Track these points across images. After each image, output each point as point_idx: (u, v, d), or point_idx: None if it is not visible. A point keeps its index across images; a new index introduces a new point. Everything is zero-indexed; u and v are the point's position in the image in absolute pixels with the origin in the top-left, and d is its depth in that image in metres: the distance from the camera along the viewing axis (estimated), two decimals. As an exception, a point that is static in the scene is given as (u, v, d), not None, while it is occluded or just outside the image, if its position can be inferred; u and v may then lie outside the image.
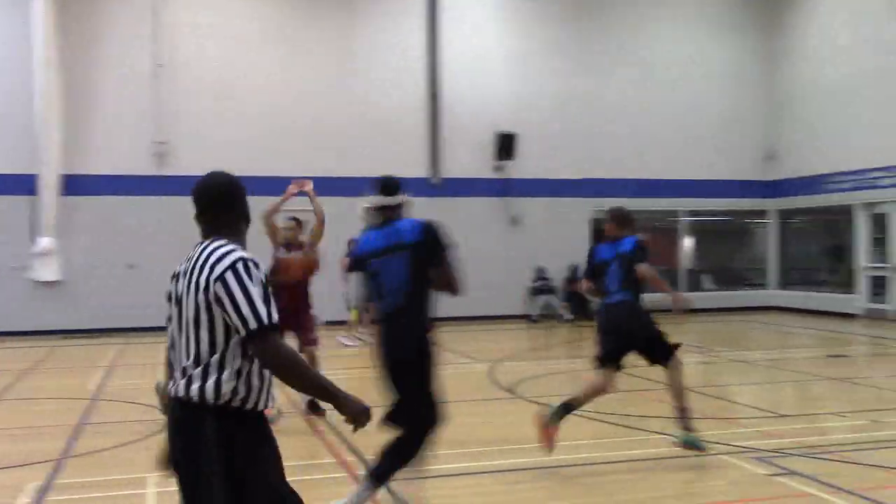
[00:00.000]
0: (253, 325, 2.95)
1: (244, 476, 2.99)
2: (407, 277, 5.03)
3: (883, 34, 19.17)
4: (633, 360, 6.93)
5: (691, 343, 7.33)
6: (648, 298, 6.94)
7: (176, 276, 3.22)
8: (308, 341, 8.72)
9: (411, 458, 5.02)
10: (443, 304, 5.21)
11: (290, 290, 8.51)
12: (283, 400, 8.52)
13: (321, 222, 8.73)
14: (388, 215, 5.20)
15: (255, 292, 2.99)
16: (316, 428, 8.13)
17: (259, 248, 4.28)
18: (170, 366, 3.21)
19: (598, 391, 6.84)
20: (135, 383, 10.94)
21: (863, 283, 19.88)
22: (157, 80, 17.86)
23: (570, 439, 7.05)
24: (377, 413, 3.25)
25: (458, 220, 14.33)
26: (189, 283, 3.09)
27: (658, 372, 7.08)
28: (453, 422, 5.57)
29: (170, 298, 3.21)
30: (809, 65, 21.38)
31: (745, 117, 22.32)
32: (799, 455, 6.96)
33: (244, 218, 3.31)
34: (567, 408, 6.77)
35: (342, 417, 3.06)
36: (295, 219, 9.07)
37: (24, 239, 17.02)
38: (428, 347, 5.05)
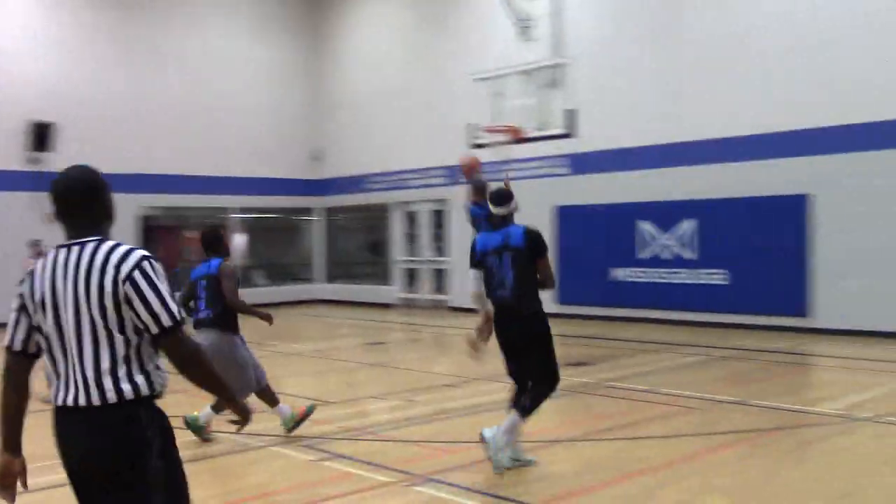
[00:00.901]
0: (167, 322, 2.95)
1: (174, 458, 3.06)
2: (514, 273, 6.15)
3: (413, 47, 21.13)
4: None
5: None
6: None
7: (34, 283, 3.00)
8: None
9: (541, 404, 6.26)
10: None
11: None
12: None
13: None
14: (501, 221, 6.32)
15: (164, 289, 2.98)
16: None
17: None
18: (55, 377, 2.99)
19: None
20: None
21: (398, 276, 21.77)
22: None
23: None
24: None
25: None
26: (86, 286, 2.93)
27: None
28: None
29: (41, 307, 2.97)
30: (351, 71, 22.81)
31: (293, 117, 23.13)
32: (343, 439, 7.43)
33: (112, 215, 3.15)
34: None
35: (230, 416, 3.16)
36: None
37: None
38: (540, 326, 6.25)
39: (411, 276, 21.57)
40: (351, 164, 22.61)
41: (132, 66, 20.21)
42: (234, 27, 22.14)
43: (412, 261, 21.42)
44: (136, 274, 2.94)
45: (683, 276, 15.77)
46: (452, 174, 19.90)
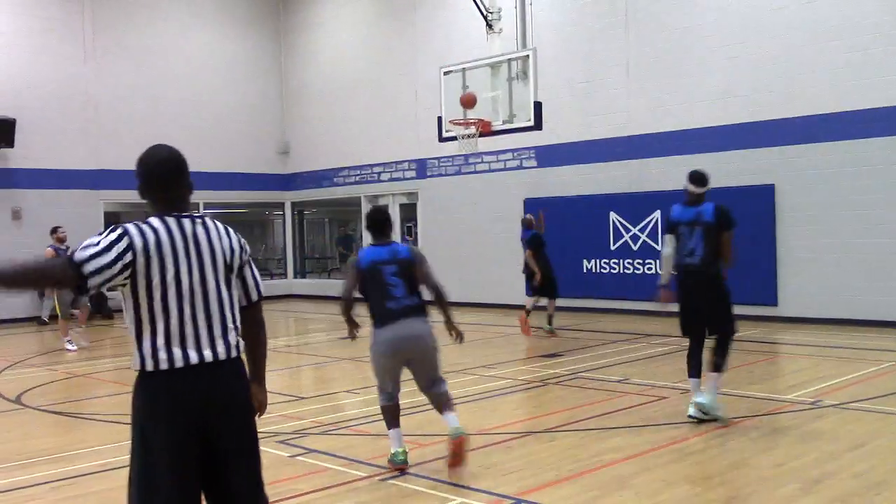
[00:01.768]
0: (262, 292, 3.50)
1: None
2: (703, 244, 7.21)
3: (375, 42, 21.07)
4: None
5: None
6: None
7: (154, 239, 3.09)
8: None
9: (728, 354, 7.49)
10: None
11: None
12: None
13: None
14: (696, 199, 7.37)
15: None
16: None
17: None
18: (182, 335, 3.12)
19: None
20: None
21: (369, 269, 21.71)
22: None
23: (93, 444, 6.66)
24: None
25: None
26: (211, 253, 3.20)
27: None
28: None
29: (160, 266, 3.08)
30: (317, 65, 22.71)
31: (260, 112, 23.00)
32: (318, 434, 7.42)
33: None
34: None
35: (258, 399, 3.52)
36: None
37: None
38: (722, 287, 7.37)
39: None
40: (320, 158, 22.52)
41: (95, 60, 19.98)
42: (198, 21, 21.94)
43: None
44: (247, 247, 3.41)
45: (652, 267, 15.90)
46: (422, 166, 19.91)
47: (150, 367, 3.10)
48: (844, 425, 7.24)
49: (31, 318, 18.16)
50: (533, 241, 13.92)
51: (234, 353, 3.24)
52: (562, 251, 17.04)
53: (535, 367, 10.69)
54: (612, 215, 16.52)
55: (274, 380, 10.66)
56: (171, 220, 3.17)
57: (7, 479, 6.32)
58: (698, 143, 15.25)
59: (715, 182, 14.76)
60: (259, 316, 3.48)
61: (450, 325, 6.30)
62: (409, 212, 20.78)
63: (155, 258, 3.08)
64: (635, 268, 16.25)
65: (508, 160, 18.10)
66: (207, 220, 3.29)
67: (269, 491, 5.74)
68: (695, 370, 7.50)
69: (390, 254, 6.22)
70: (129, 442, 3.26)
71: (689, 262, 7.33)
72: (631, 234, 16.28)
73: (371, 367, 6.40)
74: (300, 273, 24.01)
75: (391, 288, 6.10)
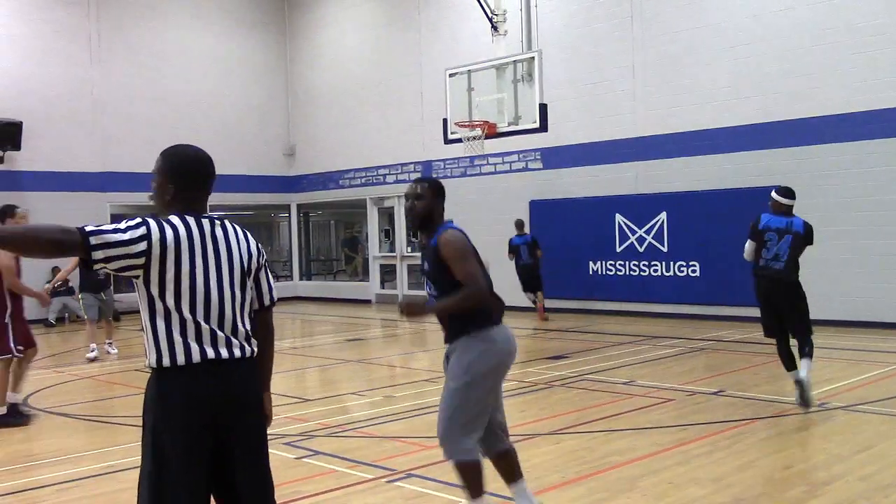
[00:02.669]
0: (275, 295, 3.53)
1: None
2: (790, 251, 7.81)
3: (381, 44, 21.08)
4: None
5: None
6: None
7: (172, 233, 3.08)
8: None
9: (812, 345, 7.95)
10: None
11: None
12: None
13: None
14: (787, 210, 7.99)
15: None
16: None
17: None
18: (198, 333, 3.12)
19: None
20: None
21: (374, 271, 21.74)
22: None
23: (100, 446, 6.67)
24: None
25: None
26: (228, 254, 3.21)
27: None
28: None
29: (176, 260, 3.07)
30: (321, 67, 22.73)
31: (266, 114, 23.03)
32: (324, 435, 7.42)
33: None
34: None
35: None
36: None
37: None
38: (801, 292, 7.94)
39: (388, 272, 21.55)
40: (326, 159, 22.53)
41: (101, 63, 20.02)
42: (204, 24, 21.98)
43: (389, 256, 21.39)
44: (264, 252, 3.46)
45: (658, 269, 15.88)
46: (427, 168, 19.90)
47: (165, 362, 3.09)
48: (852, 427, 7.22)
49: (39, 320, 18.19)
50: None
51: (248, 353, 3.25)
52: (567, 253, 17.04)
53: (541, 369, 10.69)
54: (618, 217, 16.50)
55: (280, 382, 10.69)
56: (191, 219, 3.18)
57: (14, 481, 6.33)
58: (704, 144, 15.23)
59: (722, 184, 14.87)
60: (270, 321, 3.51)
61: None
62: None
63: (171, 252, 3.07)
64: (641, 269, 16.22)
65: (514, 162, 18.09)
66: (226, 222, 3.31)
67: (276, 493, 5.73)
68: (790, 362, 8.04)
69: None
70: (139, 443, 3.27)
71: (775, 267, 7.89)
72: (637, 235, 16.26)
73: (463, 389, 4.45)
74: (306, 275, 24.03)
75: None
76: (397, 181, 20.74)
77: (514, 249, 16.06)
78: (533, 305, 16.38)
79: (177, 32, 21.41)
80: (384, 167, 21.07)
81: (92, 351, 12.84)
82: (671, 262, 15.73)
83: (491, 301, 4.53)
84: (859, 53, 13.50)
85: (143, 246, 3.03)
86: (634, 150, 16.24)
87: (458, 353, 4.53)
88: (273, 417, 3.62)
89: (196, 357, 3.10)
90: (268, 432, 3.47)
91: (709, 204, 15.06)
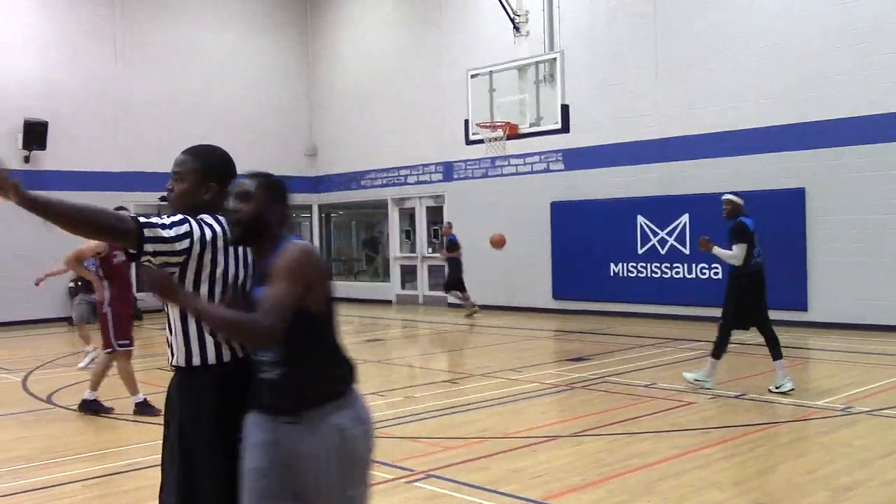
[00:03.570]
0: None
1: None
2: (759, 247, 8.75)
3: (402, 44, 21.11)
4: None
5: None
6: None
7: (205, 240, 3.09)
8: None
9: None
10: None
11: None
12: None
13: None
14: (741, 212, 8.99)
15: None
16: None
17: None
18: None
19: None
20: None
21: (395, 272, 21.77)
22: None
23: (123, 444, 6.72)
24: None
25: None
26: (244, 261, 3.21)
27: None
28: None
29: (212, 260, 3.11)
30: (343, 67, 22.79)
31: (288, 114, 23.11)
32: (344, 435, 7.43)
33: None
34: None
35: None
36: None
37: None
38: None
39: (409, 273, 21.57)
40: (347, 160, 22.59)
41: (125, 64, 20.18)
42: (226, 24, 22.11)
43: (410, 257, 21.41)
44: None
45: (680, 271, 15.80)
46: (448, 169, 19.92)
47: (195, 361, 3.11)
48: (875, 432, 7.15)
49: (62, 318, 18.37)
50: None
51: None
52: (588, 255, 16.99)
53: (561, 371, 10.66)
54: (640, 219, 16.43)
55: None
56: (223, 220, 3.18)
57: (39, 478, 6.39)
58: (727, 146, 15.13)
59: (744, 185, 14.74)
60: None
61: None
62: (435, 215, 20.79)
63: (209, 250, 3.09)
64: (663, 272, 16.14)
65: (535, 163, 18.06)
66: None
67: (296, 492, 5.73)
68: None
69: None
70: (160, 441, 3.28)
71: (760, 261, 8.86)
72: (658, 237, 16.18)
73: None
74: (327, 275, 24.08)
75: None
76: (419, 182, 20.76)
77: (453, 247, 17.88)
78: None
79: (199, 33, 21.55)
80: (405, 168, 21.09)
81: (87, 355, 12.12)
82: (693, 265, 15.65)
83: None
84: (886, 55, 13.36)
85: (186, 244, 3.04)
86: (657, 152, 16.16)
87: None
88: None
89: (226, 356, 3.12)
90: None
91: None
